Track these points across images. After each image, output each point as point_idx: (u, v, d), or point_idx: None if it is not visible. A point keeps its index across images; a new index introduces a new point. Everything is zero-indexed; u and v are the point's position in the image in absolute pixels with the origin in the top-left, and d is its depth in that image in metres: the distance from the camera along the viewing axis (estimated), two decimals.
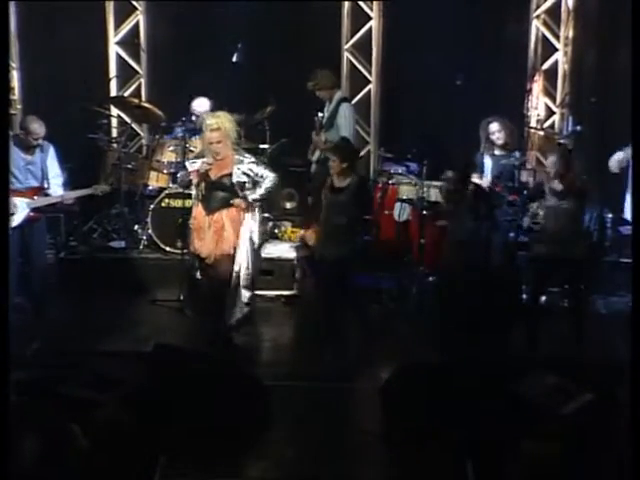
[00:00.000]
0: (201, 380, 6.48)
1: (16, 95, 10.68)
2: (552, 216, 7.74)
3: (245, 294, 7.67)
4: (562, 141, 10.01)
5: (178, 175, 8.10)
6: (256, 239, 7.67)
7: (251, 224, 7.61)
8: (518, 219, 8.84)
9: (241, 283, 7.62)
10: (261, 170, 7.59)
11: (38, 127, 7.93)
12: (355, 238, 7.71)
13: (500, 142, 9.05)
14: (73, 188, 9.36)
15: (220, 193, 7.54)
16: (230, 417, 6.40)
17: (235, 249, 7.54)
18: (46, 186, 8.02)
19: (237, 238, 7.54)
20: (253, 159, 7.66)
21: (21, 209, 7.86)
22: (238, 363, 6.94)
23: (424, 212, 9.15)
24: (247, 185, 7.52)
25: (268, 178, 7.58)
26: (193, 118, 9.87)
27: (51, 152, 8.05)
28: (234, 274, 7.58)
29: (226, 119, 7.51)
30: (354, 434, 6.52)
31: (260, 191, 7.56)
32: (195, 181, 7.61)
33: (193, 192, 7.73)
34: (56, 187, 8.03)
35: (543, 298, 8.36)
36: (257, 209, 7.65)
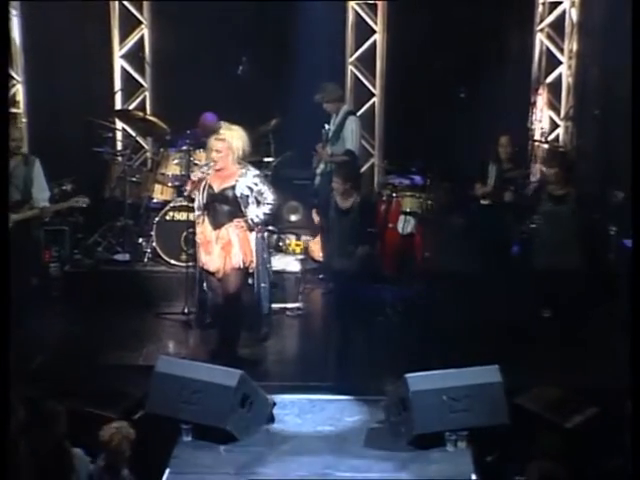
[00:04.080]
0: (206, 392, 6.47)
1: (21, 109, 10.67)
2: (549, 222, 7.73)
3: (264, 304, 7.67)
4: (562, 149, 10.09)
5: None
6: (264, 251, 7.64)
7: (257, 237, 7.56)
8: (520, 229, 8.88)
9: (257, 293, 7.59)
10: (263, 188, 7.49)
11: (14, 131, 7.84)
12: (361, 253, 7.72)
13: (505, 156, 9.09)
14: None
15: (224, 207, 7.47)
16: (236, 429, 6.42)
17: (244, 263, 7.49)
18: (30, 201, 7.87)
19: (245, 253, 7.49)
20: (257, 172, 7.60)
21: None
22: (243, 376, 6.87)
23: (428, 224, 9.18)
24: (250, 199, 7.45)
25: (267, 200, 7.47)
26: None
27: (36, 166, 7.91)
28: (245, 287, 7.56)
29: (236, 134, 7.43)
30: (360, 445, 6.50)
31: (260, 213, 7.47)
32: (189, 188, 7.63)
33: (195, 204, 7.67)
34: (42, 202, 7.89)
35: (547, 311, 8.39)
36: (256, 216, 7.51)
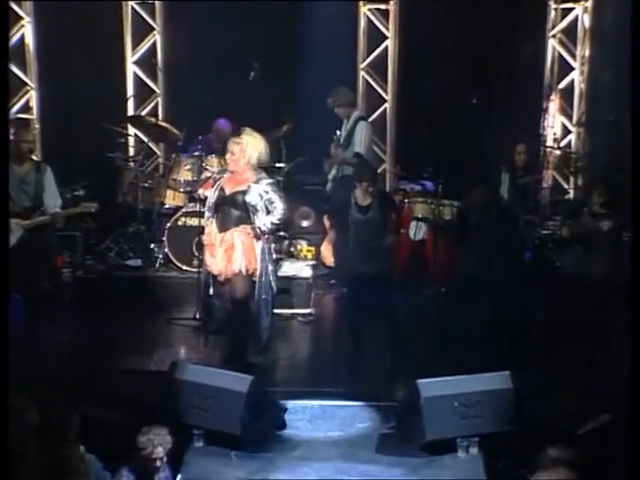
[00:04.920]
0: (217, 398, 6.45)
1: (35, 115, 10.72)
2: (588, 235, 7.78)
3: (263, 316, 7.58)
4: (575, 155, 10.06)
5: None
6: (269, 262, 7.56)
7: (263, 247, 7.49)
8: (534, 237, 8.85)
9: (257, 304, 7.52)
10: (274, 197, 7.44)
11: (27, 134, 7.84)
12: (383, 254, 7.75)
13: (521, 164, 9.06)
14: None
15: (233, 211, 7.44)
16: (249, 435, 6.41)
17: (247, 270, 7.43)
18: (41, 207, 7.85)
19: (249, 260, 7.44)
20: (270, 181, 7.56)
21: (15, 229, 7.73)
22: (255, 381, 6.79)
23: (440, 230, 9.17)
24: (259, 207, 7.41)
25: (277, 209, 7.42)
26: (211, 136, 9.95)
27: (48, 173, 7.89)
28: (249, 294, 7.50)
29: (254, 142, 7.44)
30: (371, 450, 6.47)
31: (268, 222, 7.41)
32: (201, 191, 7.68)
33: (206, 205, 7.66)
34: (53, 209, 7.83)
35: (562, 316, 8.32)
36: (263, 224, 7.45)
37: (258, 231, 7.41)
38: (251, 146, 7.42)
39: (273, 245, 7.68)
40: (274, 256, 7.74)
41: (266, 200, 7.41)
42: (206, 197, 7.63)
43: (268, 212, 7.43)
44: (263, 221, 7.40)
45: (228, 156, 7.48)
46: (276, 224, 7.50)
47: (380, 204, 7.81)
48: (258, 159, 7.48)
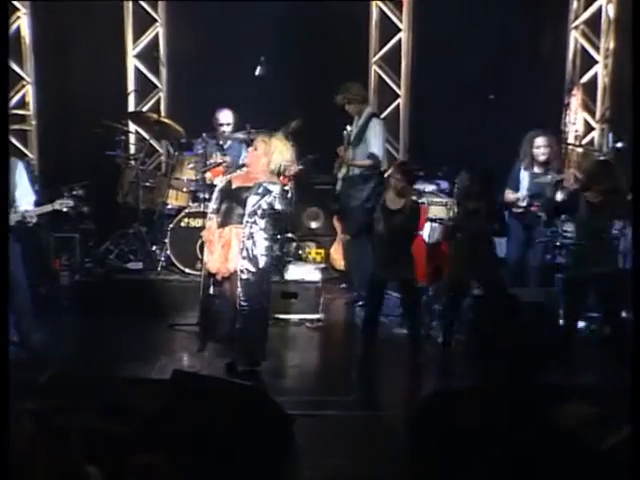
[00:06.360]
0: (221, 408, 6.21)
1: (31, 110, 10.62)
2: (586, 231, 7.53)
3: (258, 316, 7.37)
4: (602, 158, 9.74)
5: None
6: (261, 260, 7.27)
7: (250, 244, 7.25)
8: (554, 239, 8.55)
9: (247, 305, 7.28)
10: (276, 202, 7.27)
11: None
12: (406, 259, 7.65)
13: (543, 159, 8.71)
14: (90, 206, 9.12)
15: (235, 207, 7.28)
16: (252, 447, 6.06)
17: (241, 271, 7.23)
18: (14, 204, 7.51)
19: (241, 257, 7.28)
20: (279, 187, 7.35)
21: None
22: (260, 390, 6.61)
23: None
24: (258, 209, 7.21)
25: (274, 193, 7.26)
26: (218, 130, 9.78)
27: (19, 169, 7.63)
28: (241, 295, 7.28)
29: (280, 147, 7.37)
30: (382, 464, 6.15)
31: (263, 225, 7.24)
32: (209, 176, 7.66)
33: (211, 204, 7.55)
34: (26, 206, 7.56)
35: (581, 323, 8.13)
36: (260, 229, 7.28)
37: (247, 233, 7.21)
38: (278, 151, 7.37)
39: (262, 246, 7.33)
40: (265, 254, 7.37)
41: (267, 204, 7.25)
42: (213, 185, 7.54)
43: (264, 216, 7.25)
44: (259, 225, 7.23)
45: (250, 149, 7.48)
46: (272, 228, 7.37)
47: (411, 211, 7.61)
48: (279, 166, 7.38)
